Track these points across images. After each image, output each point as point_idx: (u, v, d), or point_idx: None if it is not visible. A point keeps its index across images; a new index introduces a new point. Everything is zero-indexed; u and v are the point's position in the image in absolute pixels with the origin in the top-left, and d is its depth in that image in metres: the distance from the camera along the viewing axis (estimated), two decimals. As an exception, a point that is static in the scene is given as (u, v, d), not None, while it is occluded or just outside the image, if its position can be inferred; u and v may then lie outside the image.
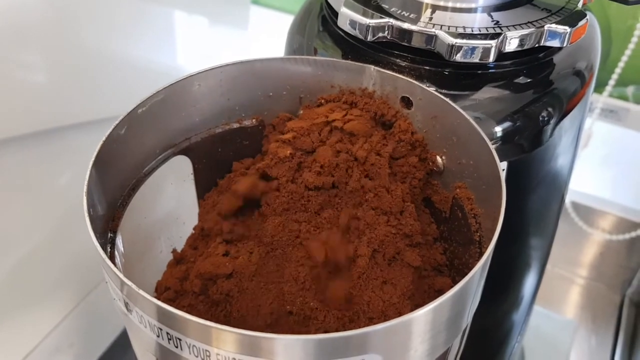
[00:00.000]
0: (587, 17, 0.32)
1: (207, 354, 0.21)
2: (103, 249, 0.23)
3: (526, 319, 0.49)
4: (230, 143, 0.34)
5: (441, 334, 0.23)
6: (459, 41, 0.30)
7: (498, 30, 0.31)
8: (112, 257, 0.27)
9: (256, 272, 0.27)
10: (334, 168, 0.28)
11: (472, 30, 0.31)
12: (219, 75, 0.32)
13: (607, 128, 0.70)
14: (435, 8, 0.33)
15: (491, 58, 0.31)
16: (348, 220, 0.28)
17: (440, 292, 0.28)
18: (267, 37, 0.68)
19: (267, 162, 0.29)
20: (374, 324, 0.20)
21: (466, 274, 0.22)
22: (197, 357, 0.21)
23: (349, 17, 0.32)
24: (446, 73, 0.33)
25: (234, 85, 0.32)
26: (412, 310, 0.24)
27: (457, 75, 0.33)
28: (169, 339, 0.22)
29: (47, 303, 0.54)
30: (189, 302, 0.28)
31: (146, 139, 0.30)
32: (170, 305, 0.21)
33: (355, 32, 0.33)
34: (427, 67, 0.33)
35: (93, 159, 0.26)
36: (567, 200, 0.67)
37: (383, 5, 0.33)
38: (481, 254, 0.27)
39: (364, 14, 0.32)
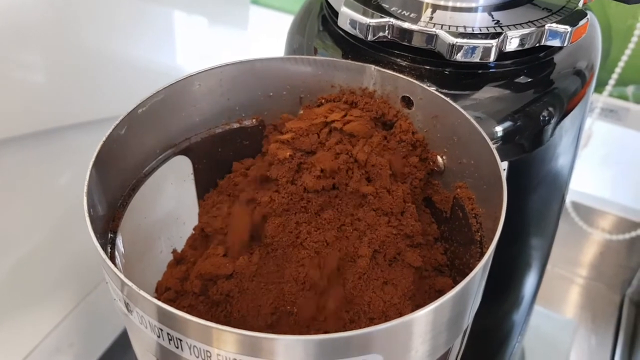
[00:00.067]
0: (588, 16, 0.32)
1: (208, 354, 0.21)
2: (103, 249, 0.23)
3: (526, 319, 0.49)
4: (231, 143, 0.33)
5: (442, 334, 0.23)
6: (459, 41, 0.30)
7: (499, 30, 0.31)
8: (112, 258, 0.27)
9: (256, 273, 0.27)
10: (334, 171, 0.28)
11: (473, 30, 0.31)
12: (219, 75, 0.32)
13: (607, 128, 0.69)
14: (435, 7, 0.33)
15: (492, 57, 0.31)
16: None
17: (441, 292, 0.28)
18: (266, 37, 0.68)
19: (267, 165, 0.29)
20: (375, 324, 0.20)
21: (467, 274, 0.22)
22: (197, 357, 0.21)
23: (349, 16, 0.32)
24: (447, 73, 0.33)
25: (234, 85, 0.32)
26: (413, 310, 0.24)
27: (457, 75, 0.33)
28: (170, 340, 0.21)
29: (47, 303, 0.54)
30: (189, 303, 0.28)
31: (146, 139, 0.30)
32: (171, 305, 0.21)
33: (356, 32, 0.32)
34: (428, 67, 0.33)
35: (93, 159, 0.26)
36: (567, 200, 0.67)
37: (383, 4, 0.33)
38: (482, 254, 0.27)
39: (364, 14, 0.32)
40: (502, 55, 0.32)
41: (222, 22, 0.71)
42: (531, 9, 0.33)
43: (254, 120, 0.34)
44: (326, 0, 0.36)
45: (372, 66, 0.31)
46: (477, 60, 0.31)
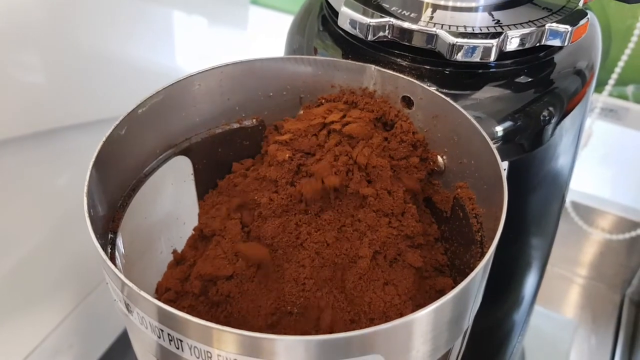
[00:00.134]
0: (588, 16, 0.32)
1: (209, 355, 0.21)
2: (103, 249, 0.23)
3: (527, 319, 0.49)
4: (231, 143, 0.33)
5: (443, 334, 0.23)
6: (459, 40, 0.30)
7: (499, 30, 0.31)
8: (112, 258, 0.27)
9: (257, 273, 0.27)
10: (333, 184, 0.28)
11: (473, 30, 0.31)
12: (218, 75, 0.32)
13: (606, 127, 0.69)
14: (435, 7, 0.33)
15: (492, 57, 0.31)
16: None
17: (441, 292, 0.28)
18: (266, 37, 0.68)
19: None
20: (375, 324, 0.20)
21: (467, 274, 0.22)
22: (198, 358, 0.21)
23: (349, 16, 0.32)
24: (447, 72, 0.33)
25: (234, 85, 0.32)
26: (413, 311, 0.24)
27: (458, 75, 0.33)
28: (170, 340, 0.21)
29: (46, 304, 0.54)
30: (190, 303, 0.28)
31: (146, 140, 0.30)
32: (171, 306, 0.21)
33: (356, 32, 0.32)
34: (428, 67, 0.33)
35: (93, 159, 0.26)
36: (567, 199, 0.67)
37: (383, 4, 0.33)
38: (483, 254, 0.27)
39: (365, 14, 0.32)
40: (502, 55, 0.32)
41: (222, 22, 0.71)
42: (531, 9, 0.33)
43: (254, 120, 0.34)
44: (326, 1, 0.36)
45: (372, 66, 0.31)
46: (478, 60, 0.31)
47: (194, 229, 0.32)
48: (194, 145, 0.33)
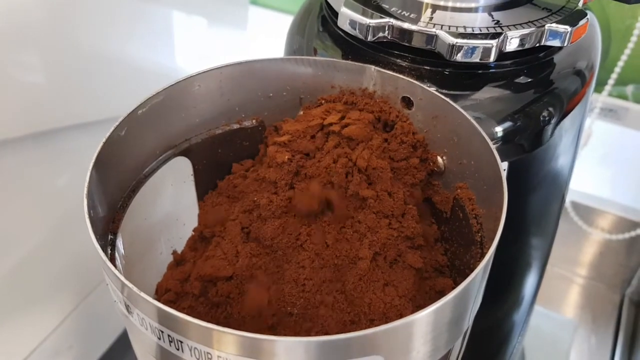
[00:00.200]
0: (588, 16, 0.32)
1: (209, 356, 0.21)
2: (103, 251, 0.23)
3: (527, 319, 0.49)
4: (230, 144, 0.33)
5: (443, 335, 0.23)
6: (459, 41, 0.30)
7: (499, 30, 0.31)
8: (112, 259, 0.27)
9: (257, 274, 0.27)
10: (331, 177, 0.28)
11: (473, 30, 0.31)
12: (218, 76, 0.32)
13: (606, 127, 0.69)
14: (435, 8, 0.33)
15: (492, 58, 0.31)
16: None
17: (441, 293, 0.28)
18: (266, 37, 0.68)
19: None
20: (375, 325, 0.20)
21: (467, 274, 0.22)
22: (198, 359, 0.21)
23: (349, 17, 0.32)
24: (447, 73, 0.33)
25: (233, 86, 0.32)
26: (413, 311, 0.24)
27: (457, 75, 0.33)
28: (170, 342, 0.21)
29: (46, 305, 0.54)
30: (190, 304, 0.28)
31: (146, 140, 0.30)
32: (171, 307, 0.21)
33: (356, 32, 0.32)
34: (428, 67, 0.33)
35: (93, 160, 0.26)
36: (567, 199, 0.67)
37: (383, 5, 0.33)
38: (483, 255, 0.27)
39: (364, 14, 0.32)
40: (502, 55, 0.32)
41: (221, 22, 0.71)
42: (531, 9, 0.33)
43: (253, 121, 0.34)
44: (326, 1, 0.36)
45: (372, 67, 0.31)
46: (477, 60, 0.31)
47: (194, 230, 0.32)
48: (193, 146, 0.33)
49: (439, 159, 0.31)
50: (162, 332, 0.21)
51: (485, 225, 0.28)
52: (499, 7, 0.33)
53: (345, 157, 0.28)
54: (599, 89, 0.66)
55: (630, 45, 0.62)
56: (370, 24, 0.32)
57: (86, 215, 0.24)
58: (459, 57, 0.31)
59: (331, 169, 0.28)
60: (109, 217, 0.28)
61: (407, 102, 0.31)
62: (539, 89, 0.33)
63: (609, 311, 0.69)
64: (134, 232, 0.30)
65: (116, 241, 0.28)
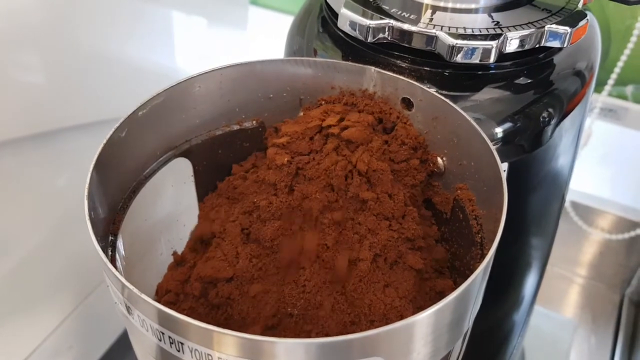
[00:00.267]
0: (588, 17, 0.32)
1: (209, 357, 0.21)
2: (104, 252, 0.23)
3: (527, 319, 0.49)
4: (231, 145, 0.33)
5: (443, 336, 0.23)
6: (459, 42, 0.30)
7: (498, 31, 0.31)
8: (113, 261, 0.27)
9: (257, 276, 0.27)
10: (331, 179, 0.28)
11: (473, 31, 0.31)
12: (218, 77, 0.32)
13: (606, 127, 0.69)
14: (435, 9, 0.33)
15: (492, 59, 0.31)
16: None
17: (441, 294, 0.28)
18: (265, 37, 0.68)
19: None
20: (375, 327, 0.20)
21: (468, 275, 0.22)
22: (198, 360, 0.21)
23: (349, 18, 0.32)
24: (447, 74, 0.33)
25: (234, 86, 0.32)
26: (413, 313, 0.24)
27: (457, 76, 0.33)
28: (171, 343, 0.21)
29: (45, 305, 0.54)
30: (190, 305, 0.28)
31: (146, 142, 0.30)
32: (171, 308, 0.21)
33: (356, 34, 0.32)
34: (428, 68, 0.33)
35: (94, 162, 0.26)
36: (567, 199, 0.67)
37: (383, 6, 0.33)
38: (483, 256, 0.27)
39: (364, 15, 0.32)
40: (502, 56, 0.32)
41: (221, 22, 0.71)
42: (531, 10, 0.33)
43: (254, 121, 0.34)
44: (326, 2, 0.36)
45: (372, 68, 0.31)
46: (477, 61, 0.31)
47: (194, 231, 0.32)
48: (194, 147, 0.33)
49: (439, 160, 0.31)
50: (163, 333, 0.21)
51: (485, 226, 0.28)
52: (498, 8, 0.33)
53: (345, 159, 0.29)
54: (598, 89, 0.66)
55: (630, 45, 0.62)
56: (370, 25, 0.32)
57: (87, 217, 0.24)
58: (459, 58, 0.31)
59: (330, 171, 0.28)
60: (109, 218, 0.28)
61: (407, 103, 0.31)
62: (539, 90, 0.33)
63: (609, 311, 0.69)
64: (134, 233, 0.30)
65: (117, 242, 0.28)
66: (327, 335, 0.25)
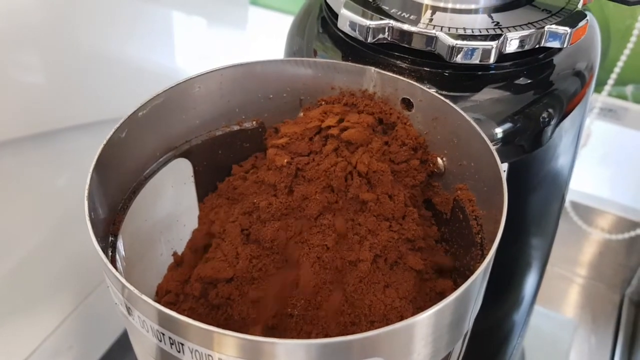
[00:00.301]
0: (587, 17, 0.32)
1: (210, 358, 0.21)
2: (104, 252, 0.23)
3: (527, 319, 0.49)
4: (231, 145, 0.33)
5: (444, 337, 0.23)
6: (459, 42, 0.30)
7: (498, 32, 0.31)
8: (113, 261, 0.27)
9: (257, 276, 0.27)
10: (330, 180, 0.28)
11: (473, 32, 0.31)
12: (219, 77, 0.32)
13: (605, 127, 0.69)
14: (435, 9, 0.33)
15: (492, 59, 0.31)
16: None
17: (441, 294, 0.28)
18: (265, 37, 0.68)
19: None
20: (375, 327, 0.20)
21: (468, 276, 0.22)
22: (199, 361, 0.21)
23: (349, 18, 0.32)
24: (446, 74, 0.33)
25: (234, 87, 0.32)
26: (414, 313, 0.24)
27: (457, 77, 0.33)
28: (172, 344, 0.21)
29: (45, 306, 0.54)
30: (190, 306, 0.28)
31: (147, 142, 0.30)
32: (172, 308, 0.21)
33: (356, 34, 0.32)
34: (428, 69, 0.33)
35: (94, 162, 0.26)
36: (566, 199, 0.67)
37: (383, 6, 0.33)
38: (483, 256, 0.27)
39: (364, 16, 0.32)
40: (501, 56, 0.32)
41: (221, 22, 0.71)
42: (531, 11, 0.33)
43: (254, 122, 0.34)
44: (326, 2, 0.36)
45: (372, 68, 0.31)
46: (477, 62, 0.31)
47: (194, 231, 0.32)
48: (194, 147, 0.33)
49: (439, 160, 0.31)
50: (163, 334, 0.21)
51: (485, 227, 0.28)
52: (498, 9, 0.33)
53: (345, 160, 0.29)
54: (598, 89, 0.66)
55: (630, 45, 0.62)
56: (370, 26, 0.32)
57: (87, 218, 0.24)
58: (458, 59, 0.31)
59: (330, 172, 0.28)
60: (109, 219, 0.28)
61: (407, 104, 0.31)
62: (539, 90, 0.33)
63: (609, 311, 0.69)
64: (135, 233, 0.30)
65: (117, 243, 0.28)
66: (327, 335, 0.25)
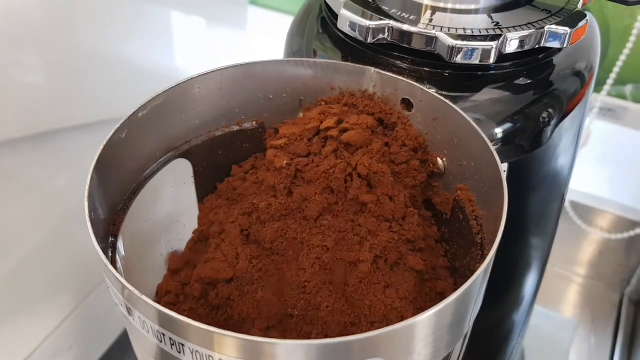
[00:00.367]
0: (587, 17, 0.32)
1: (210, 358, 0.21)
2: (104, 253, 0.23)
3: (527, 319, 0.49)
4: (231, 146, 0.33)
5: (444, 337, 0.23)
6: (459, 43, 0.30)
7: (498, 32, 0.31)
8: (113, 262, 0.27)
9: (257, 277, 0.27)
10: (330, 182, 0.28)
11: (472, 32, 0.31)
12: (219, 78, 0.32)
13: (605, 127, 0.69)
14: (435, 9, 0.33)
15: (491, 59, 0.31)
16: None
17: (442, 294, 0.28)
18: (265, 37, 0.68)
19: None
20: (376, 328, 0.20)
21: (468, 276, 0.22)
22: (199, 362, 0.21)
23: (349, 19, 0.32)
24: (446, 75, 0.33)
25: (234, 87, 0.32)
26: (414, 314, 0.24)
27: (457, 77, 0.33)
28: (172, 344, 0.21)
29: (45, 306, 0.54)
30: (190, 306, 0.28)
31: (147, 143, 0.30)
32: (172, 309, 0.21)
33: (355, 34, 0.32)
34: (428, 69, 0.33)
35: (94, 163, 0.26)
36: (566, 199, 0.67)
37: (383, 7, 0.33)
38: (483, 256, 0.27)
39: (364, 16, 0.32)
40: (501, 57, 0.32)
41: (221, 22, 0.71)
42: (530, 11, 0.33)
43: (254, 122, 0.34)
44: (326, 3, 0.36)
45: (372, 68, 0.31)
46: (477, 62, 0.31)
47: (194, 232, 0.32)
48: (194, 148, 0.33)
49: (439, 160, 0.31)
50: (164, 335, 0.21)
51: (485, 227, 0.28)
52: (498, 9, 0.33)
53: (344, 162, 0.29)
54: (597, 88, 0.66)
55: (629, 45, 0.62)
56: (370, 26, 0.32)
57: (87, 218, 0.24)
58: (458, 59, 0.31)
59: (330, 174, 0.28)
60: (109, 220, 0.28)
61: (407, 104, 0.31)
62: (539, 90, 0.33)
63: (609, 310, 0.69)
64: (135, 234, 0.30)
65: (117, 243, 0.28)
66: (327, 336, 0.25)
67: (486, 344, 0.46)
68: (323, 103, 0.32)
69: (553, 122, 0.34)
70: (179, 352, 0.22)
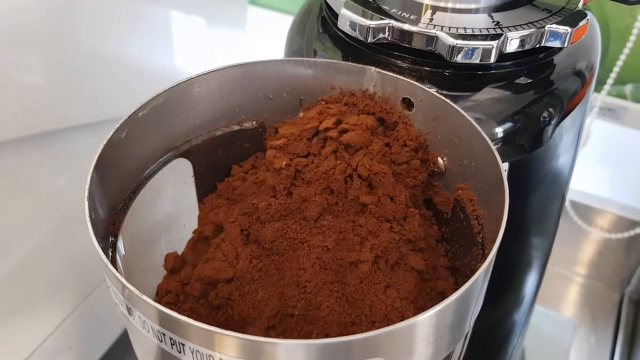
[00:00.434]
0: (588, 17, 0.32)
1: (210, 358, 0.21)
2: (105, 253, 0.23)
3: (527, 318, 0.49)
4: (231, 145, 0.33)
5: (445, 337, 0.23)
6: (459, 42, 0.30)
7: (499, 31, 0.31)
8: (113, 262, 0.27)
9: (257, 277, 0.27)
10: (330, 183, 0.28)
11: (473, 31, 0.31)
12: (219, 77, 0.32)
13: (605, 126, 0.69)
14: (435, 9, 0.33)
15: (492, 59, 0.31)
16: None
17: (442, 294, 0.28)
18: (265, 37, 0.68)
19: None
20: (376, 327, 0.20)
21: (469, 276, 0.22)
22: (199, 361, 0.21)
23: (349, 18, 0.32)
24: (447, 74, 0.33)
25: (234, 87, 0.32)
26: (415, 314, 0.24)
27: (458, 76, 0.33)
28: (172, 344, 0.21)
29: (45, 305, 0.54)
30: (190, 306, 0.28)
31: (147, 142, 0.30)
32: (172, 309, 0.21)
33: (356, 34, 0.32)
34: (428, 68, 0.33)
35: (94, 162, 0.26)
36: (566, 198, 0.67)
37: (383, 6, 0.33)
38: (484, 256, 0.27)
39: (364, 16, 0.32)
40: (502, 56, 0.32)
41: (220, 22, 0.71)
42: (531, 10, 0.33)
43: (254, 122, 0.34)
44: (326, 2, 0.36)
45: (372, 68, 0.31)
46: (478, 61, 0.31)
47: (194, 232, 0.32)
48: (194, 147, 0.33)
49: (440, 160, 0.31)
50: (164, 334, 0.21)
51: (486, 226, 0.28)
52: (499, 8, 0.33)
53: (344, 162, 0.28)
54: (598, 88, 0.66)
55: (629, 44, 0.62)
56: (371, 26, 0.32)
57: (87, 218, 0.24)
58: (459, 58, 0.31)
59: (329, 175, 0.28)
60: (109, 219, 0.28)
61: (408, 104, 0.31)
62: (539, 90, 0.33)
63: (609, 310, 0.69)
64: (135, 233, 0.30)
65: (117, 243, 0.28)
66: (327, 336, 0.25)
67: (487, 343, 0.46)
68: (323, 102, 0.32)
69: (554, 122, 0.34)
70: (179, 352, 0.22)
